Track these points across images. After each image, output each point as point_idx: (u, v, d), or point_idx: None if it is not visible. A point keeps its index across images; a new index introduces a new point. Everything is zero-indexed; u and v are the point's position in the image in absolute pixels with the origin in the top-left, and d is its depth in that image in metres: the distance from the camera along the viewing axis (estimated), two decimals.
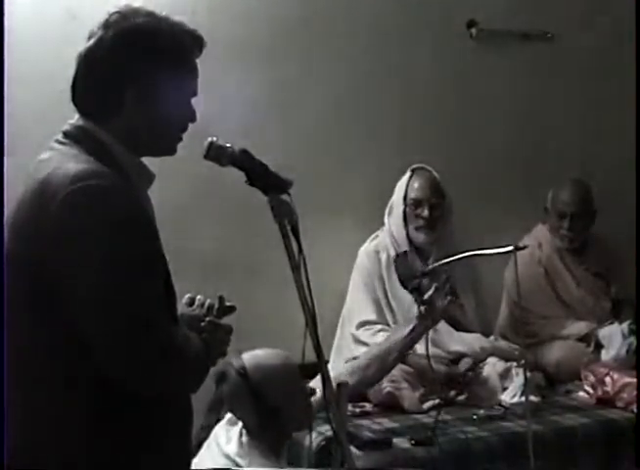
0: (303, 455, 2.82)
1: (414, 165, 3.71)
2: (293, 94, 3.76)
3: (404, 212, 3.63)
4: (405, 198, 3.64)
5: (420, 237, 3.60)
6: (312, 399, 2.56)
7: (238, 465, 2.45)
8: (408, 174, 3.69)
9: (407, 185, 3.66)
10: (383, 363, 3.15)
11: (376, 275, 3.60)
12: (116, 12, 1.81)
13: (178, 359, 1.72)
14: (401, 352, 3.17)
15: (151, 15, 1.83)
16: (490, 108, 4.12)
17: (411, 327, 3.13)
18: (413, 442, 2.97)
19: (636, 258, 3.87)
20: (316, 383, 2.57)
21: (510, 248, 2.81)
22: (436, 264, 3.01)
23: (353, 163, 3.89)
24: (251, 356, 2.53)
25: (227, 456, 2.48)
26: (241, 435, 2.52)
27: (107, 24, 1.80)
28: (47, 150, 1.80)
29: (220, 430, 2.58)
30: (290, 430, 2.54)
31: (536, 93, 4.19)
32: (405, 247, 3.61)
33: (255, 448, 2.48)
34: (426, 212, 3.59)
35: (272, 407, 2.44)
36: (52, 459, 1.70)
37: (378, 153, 3.93)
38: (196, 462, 2.47)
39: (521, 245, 3.88)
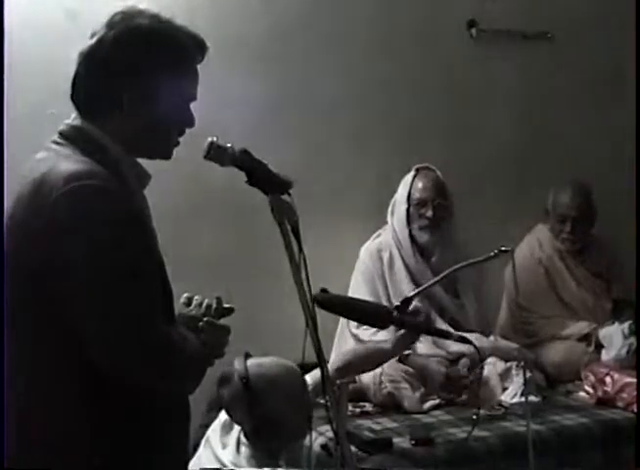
0: (303, 455, 2.81)
1: (418, 165, 3.69)
2: (293, 94, 3.76)
3: (407, 212, 3.61)
4: (409, 197, 3.62)
5: (424, 237, 3.60)
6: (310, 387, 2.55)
7: None
8: (412, 174, 3.67)
9: (411, 185, 3.64)
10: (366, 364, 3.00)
11: (377, 274, 3.60)
12: (120, 12, 1.82)
13: (174, 359, 1.72)
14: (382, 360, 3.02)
15: (154, 17, 1.82)
16: (490, 108, 4.12)
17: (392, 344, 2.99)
18: (413, 442, 2.97)
19: (636, 258, 3.87)
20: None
21: (495, 252, 2.80)
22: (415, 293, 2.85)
23: (354, 162, 3.89)
24: (256, 364, 2.50)
25: (221, 463, 2.47)
26: (238, 442, 2.51)
27: (109, 24, 1.80)
28: (43, 150, 1.80)
29: (214, 435, 2.56)
30: (288, 440, 2.52)
31: (536, 93, 4.19)
32: (408, 246, 3.61)
33: (252, 457, 2.47)
34: (430, 213, 3.58)
35: (270, 418, 2.43)
36: (51, 458, 1.70)
37: (378, 153, 3.93)
38: (194, 462, 2.47)
39: (522, 245, 4.00)
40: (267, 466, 2.44)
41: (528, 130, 4.18)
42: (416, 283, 3.50)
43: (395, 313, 2.59)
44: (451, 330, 3.52)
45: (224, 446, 2.51)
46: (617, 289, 4.01)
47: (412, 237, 3.61)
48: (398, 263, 3.60)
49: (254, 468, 2.43)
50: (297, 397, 2.48)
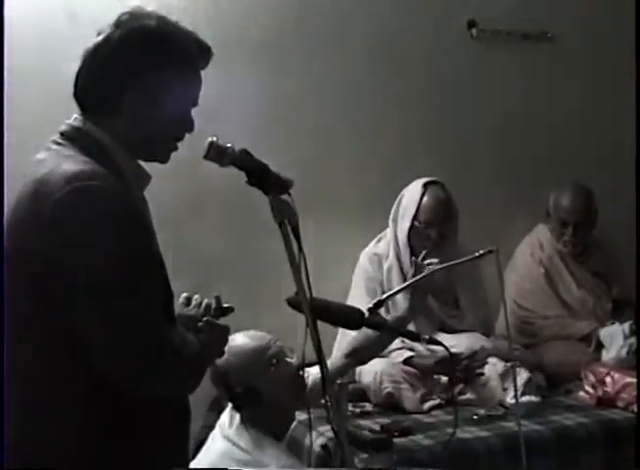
0: (303, 455, 2.81)
1: (426, 180, 3.59)
2: (293, 94, 3.76)
3: (410, 229, 3.54)
4: (415, 216, 3.54)
5: (426, 257, 3.50)
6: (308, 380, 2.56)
7: (236, 445, 2.45)
8: (420, 191, 3.56)
9: (419, 203, 3.55)
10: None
11: (377, 281, 3.56)
12: (128, 12, 1.82)
13: (175, 360, 1.72)
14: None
15: (161, 19, 1.83)
16: (490, 108, 4.12)
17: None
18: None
19: (636, 259, 3.87)
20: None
21: (480, 252, 2.81)
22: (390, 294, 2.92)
23: (354, 163, 3.90)
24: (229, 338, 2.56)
25: (226, 437, 2.48)
26: (242, 419, 2.53)
27: (117, 24, 1.80)
28: (44, 150, 1.80)
29: (225, 416, 2.59)
30: (280, 412, 2.53)
31: (536, 93, 4.20)
32: (408, 261, 3.48)
33: (255, 432, 2.48)
34: (434, 235, 3.52)
35: (248, 389, 2.45)
36: (50, 458, 1.70)
37: (378, 153, 3.93)
38: (195, 462, 2.48)
39: (522, 245, 4.00)
40: (268, 439, 2.45)
41: (528, 130, 4.18)
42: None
43: (368, 315, 2.62)
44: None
45: (231, 425, 2.53)
46: (618, 289, 4.01)
47: (413, 252, 3.54)
48: (397, 276, 3.56)
49: (255, 441, 2.45)
50: (268, 366, 2.49)
